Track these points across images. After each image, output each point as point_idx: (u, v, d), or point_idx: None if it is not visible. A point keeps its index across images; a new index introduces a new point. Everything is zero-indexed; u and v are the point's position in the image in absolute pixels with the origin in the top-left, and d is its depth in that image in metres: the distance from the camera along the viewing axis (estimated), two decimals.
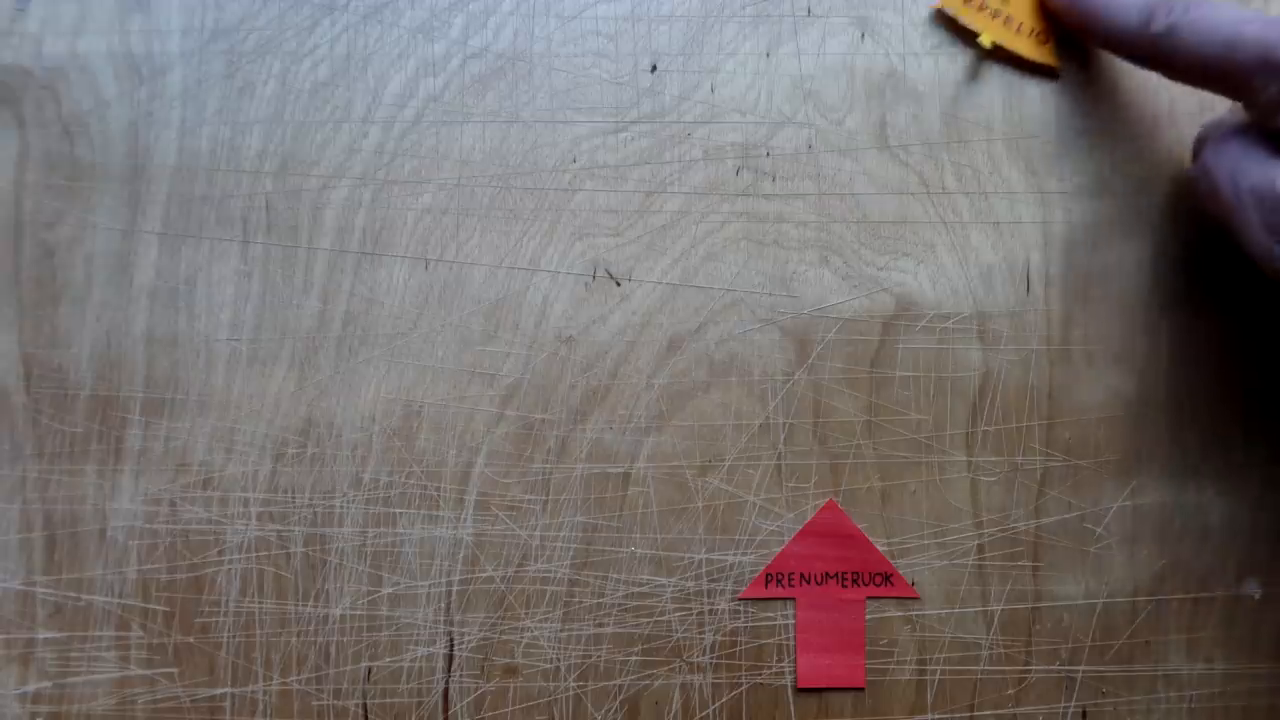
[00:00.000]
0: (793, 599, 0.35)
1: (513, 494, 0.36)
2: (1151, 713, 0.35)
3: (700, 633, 0.36)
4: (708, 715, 0.35)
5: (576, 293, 0.36)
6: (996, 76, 0.36)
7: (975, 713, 0.35)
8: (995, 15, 0.36)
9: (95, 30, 0.37)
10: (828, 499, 0.36)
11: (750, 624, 0.36)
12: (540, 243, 0.36)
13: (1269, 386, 0.36)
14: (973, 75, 0.36)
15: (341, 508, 0.36)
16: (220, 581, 0.36)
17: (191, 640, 0.36)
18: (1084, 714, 0.35)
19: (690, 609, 0.36)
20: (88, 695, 0.36)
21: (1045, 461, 0.36)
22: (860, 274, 0.36)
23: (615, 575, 0.36)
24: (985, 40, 0.36)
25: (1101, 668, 0.35)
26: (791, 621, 0.35)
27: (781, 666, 0.35)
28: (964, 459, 0.36)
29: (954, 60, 0.37)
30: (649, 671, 0.35)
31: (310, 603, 0.36)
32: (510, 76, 0.37)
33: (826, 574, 0.35)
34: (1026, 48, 0.36)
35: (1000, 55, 0.36)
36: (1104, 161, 0.36)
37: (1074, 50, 0.36)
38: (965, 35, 0.36)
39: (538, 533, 0.36)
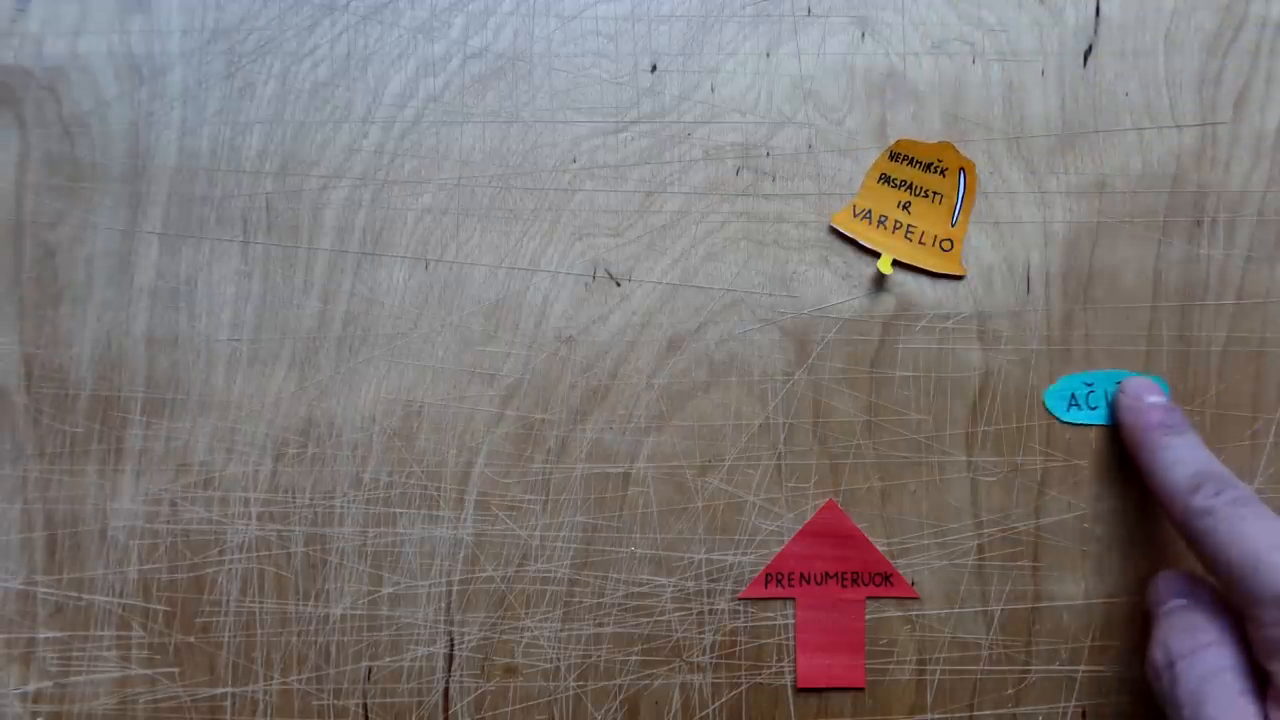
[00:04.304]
0: (792, 599, 0.35)
1: (513, 494, 0.36)
2: (1151, 713, 0.35)
3: (700, 633, 0.36)
4: (708, 715, 0.35)
5: (576, 293, 0.36)
6: (996, 76, 0.36)
7: (975, 713, 0.35)
8: (895, 228, 0.35)
9: (96, 30, 0.37)
10: (827, 499, 0.36)
11: (750, 624, 0.36)
12: (540, 243, 0.36)
13: (1269, 385, 0.36)
14: (878, 286, 0.35)
15: (342, 508, 0.36)
16: (221, 581, 0.36)
17: (192, 640, 0.36)
18: (1084, 714, 0.35)
19: (690, 609, 0.36)
20: (89, 695, 0.36)
21: (1045, 461, 0.36)
22: (860, 274, 0.36)
23: (615, 575, 0.36)
24: (884, 266, 0.35)
25: (1101, 668, 0.35)
26: (791, 621, 0.35)
27: (781, 666, 0.35)
28: (964, 459, 0.36)
29: (954, 60, 0.37)
30: (649, 671, 0.35)
31: (310, 602, 0.36)
32: (510, 76, 0.37)
33: (826, 574, 0.35)
34: (930, 260, 0.35)
35: (904, 267, 0.36)
36: (1104, 161, 0.36)
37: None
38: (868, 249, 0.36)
39: (538, 533, 0.36)
